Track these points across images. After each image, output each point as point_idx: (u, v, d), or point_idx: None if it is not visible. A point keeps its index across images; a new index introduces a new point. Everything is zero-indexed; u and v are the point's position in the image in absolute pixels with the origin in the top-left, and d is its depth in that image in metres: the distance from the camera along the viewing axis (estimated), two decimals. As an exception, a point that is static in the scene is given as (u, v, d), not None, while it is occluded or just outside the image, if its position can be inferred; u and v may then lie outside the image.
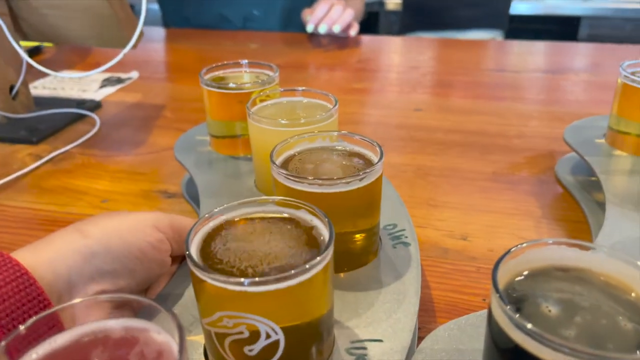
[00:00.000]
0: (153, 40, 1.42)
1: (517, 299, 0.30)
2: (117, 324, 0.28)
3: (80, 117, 0.89)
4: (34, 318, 0.27)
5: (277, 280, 0.29)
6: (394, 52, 1.36)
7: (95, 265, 0.37)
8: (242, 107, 0.57)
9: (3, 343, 0.25)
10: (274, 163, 0.41)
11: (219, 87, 0.61)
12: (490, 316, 0.30)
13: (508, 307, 0.27)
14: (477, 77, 1.11)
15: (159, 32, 1.52)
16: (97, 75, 1.10)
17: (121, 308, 0.35)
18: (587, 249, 0.31)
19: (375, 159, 0.43)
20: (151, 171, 0.73)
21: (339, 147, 0.46)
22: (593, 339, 0.27)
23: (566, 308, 0.29)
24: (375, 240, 0.45)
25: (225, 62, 0.65)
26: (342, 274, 0.43)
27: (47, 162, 0.76)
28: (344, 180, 0.39)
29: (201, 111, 0.58)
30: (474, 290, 0.50)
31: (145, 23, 0.75)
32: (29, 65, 0.81)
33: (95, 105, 0.93)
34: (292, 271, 0.30)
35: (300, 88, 0.57)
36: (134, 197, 0.67)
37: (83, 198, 0.67)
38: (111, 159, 0.77)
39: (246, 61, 0.66)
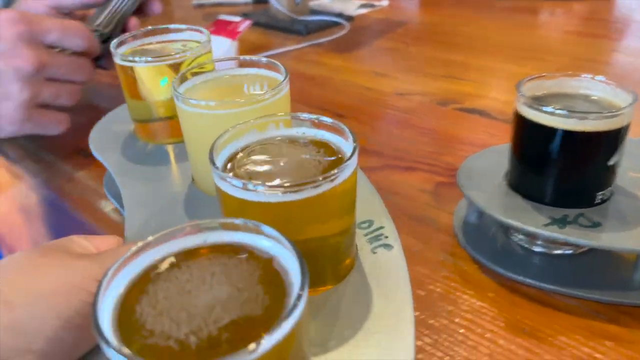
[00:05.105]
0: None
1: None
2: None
3: (337, 24, 1.22)
4: None
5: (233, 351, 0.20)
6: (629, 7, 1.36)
7: (25, 343, 0.30)
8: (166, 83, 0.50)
9: None
10: (215, 166, 0.31)
11: (133, 61, 0.50)
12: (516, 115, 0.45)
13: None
14: None
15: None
16: (356, 0, 1.42)
17: None
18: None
19: (343, 143, 0.35)
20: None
21: (300, 136, 0.36)
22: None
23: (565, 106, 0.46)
24: (351, 246, 0.36)
25: (149, 28, 0.54)
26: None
27: (308, 46, 1.10)
28: (312, 184, 0.30)
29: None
30: None
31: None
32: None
33: (348, 18, 1.25)
34: (259, 342, 0.21)
35: (245, 57, 0.44)
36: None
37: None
38: (348, 52, 1.09)
39: (175, 25, 0.55)
